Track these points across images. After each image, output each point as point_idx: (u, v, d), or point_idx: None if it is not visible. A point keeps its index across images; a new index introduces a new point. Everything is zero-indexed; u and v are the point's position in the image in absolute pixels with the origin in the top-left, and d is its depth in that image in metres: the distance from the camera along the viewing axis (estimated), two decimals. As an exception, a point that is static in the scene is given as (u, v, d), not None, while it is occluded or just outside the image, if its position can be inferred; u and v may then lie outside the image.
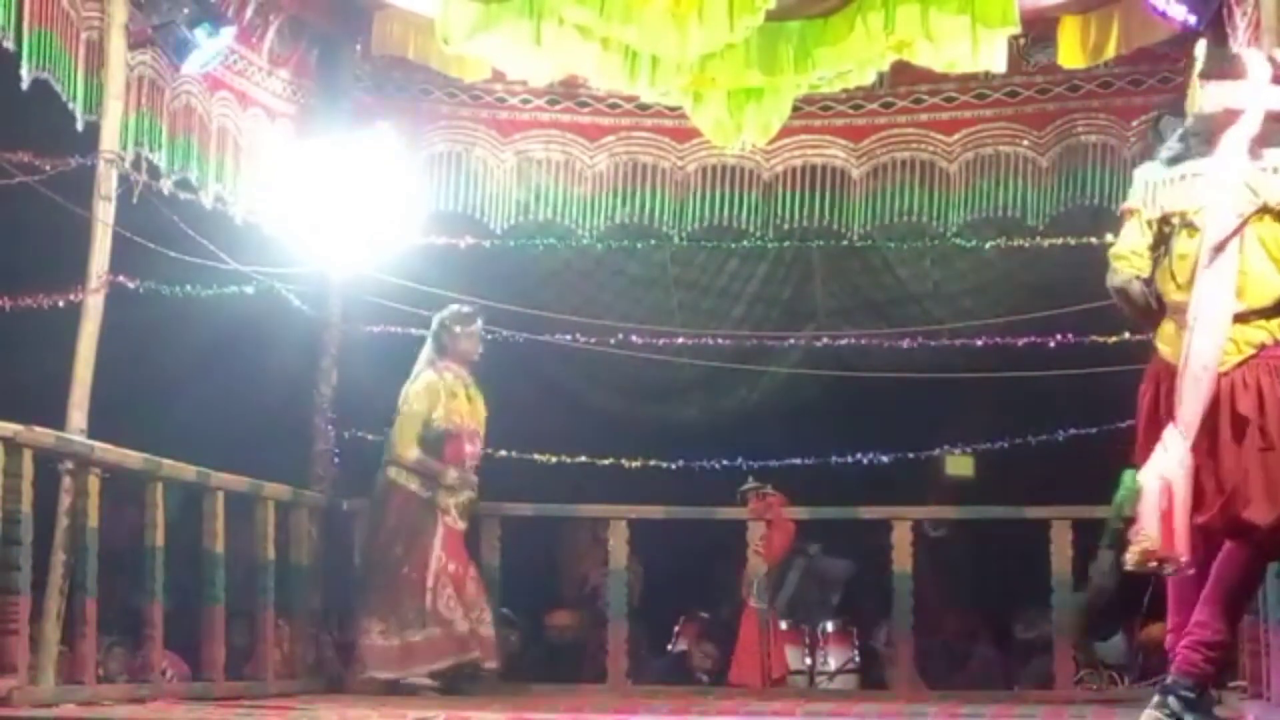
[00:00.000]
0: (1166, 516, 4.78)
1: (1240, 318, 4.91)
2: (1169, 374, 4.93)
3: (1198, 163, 5.01)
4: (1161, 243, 5.03)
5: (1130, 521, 4.89)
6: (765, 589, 8.70)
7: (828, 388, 9.68)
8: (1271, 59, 5.15)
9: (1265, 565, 5.21)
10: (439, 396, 7.93)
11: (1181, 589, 5.02)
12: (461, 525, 7.97)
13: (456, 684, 7.77)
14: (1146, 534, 4.80)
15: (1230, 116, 5.01)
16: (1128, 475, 4.90)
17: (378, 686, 7.71)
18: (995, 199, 8.40)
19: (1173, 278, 4.99)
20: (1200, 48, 5.28)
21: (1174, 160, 5.08)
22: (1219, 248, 4.87)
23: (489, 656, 7.89)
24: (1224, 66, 5.12)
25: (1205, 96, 5.07)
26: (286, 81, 8.15)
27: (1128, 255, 5.08)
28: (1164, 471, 4.80)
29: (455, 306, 8.13)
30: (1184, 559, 4.82)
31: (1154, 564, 4.83)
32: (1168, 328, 5.01)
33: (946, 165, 8.47)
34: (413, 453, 7.90)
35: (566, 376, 9.99)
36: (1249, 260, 4.91)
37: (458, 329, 8.04)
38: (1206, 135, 5.03)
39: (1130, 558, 4.85)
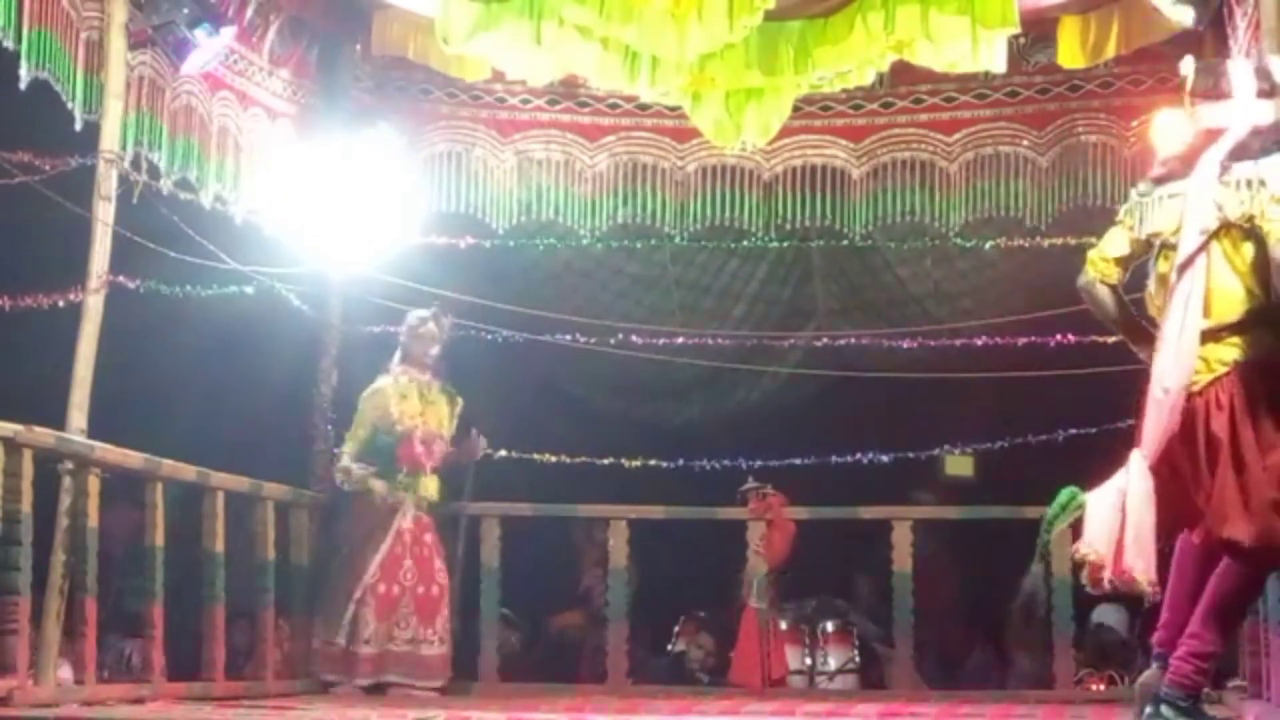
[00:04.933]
0: (1118, 537, 4.79)
1: (1211, 335, 4.89)
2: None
3: (1178, 184, 5.01)
4: (1147, 261, 5.07)
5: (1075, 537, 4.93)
6: (766, 589, 8.70)
7: (828, 388, 9.67)
8: (1261, 70, 5.12)
9: (1262, 579, 5.20)
10: (386, 400, 7.96)
11: (1179, 588, 5.02)
12: (421, 524, 7.92)
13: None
14: (1092, 551, 4.82)
15: (1210, 136, 5.01)
16: (1064, 492, 4.91)
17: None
18: (995, 199, 8.40)
19: (1153, 299, 5.04)
20: (1188, 65, 5.24)
21: (1160, 180, 5.09)
22: (1184, 266, 4.87)
23: (429, 676, 7.80)
24: (1211, 85, 5.10)
25: (1196, 117, 5.08)
26: (286, 81, 8.15)
27: (1096, 260, 5.14)
28: (1118, 492, 4.81)
29: (416, 310, 8.13)
30: (1147, 581, 4.83)
31: (1109, 582, 4.84)
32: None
33: (946, 165, 8.47)
34: (341, 459, 7.94)
35: (567, 376, 9.99)
36: (1216, 276, 4.89)
37: (409, 332, 8.08)
38: (1187, 155, 5.04)
39: (1084, 578, 4.88)
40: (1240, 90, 5.04)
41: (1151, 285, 5.06)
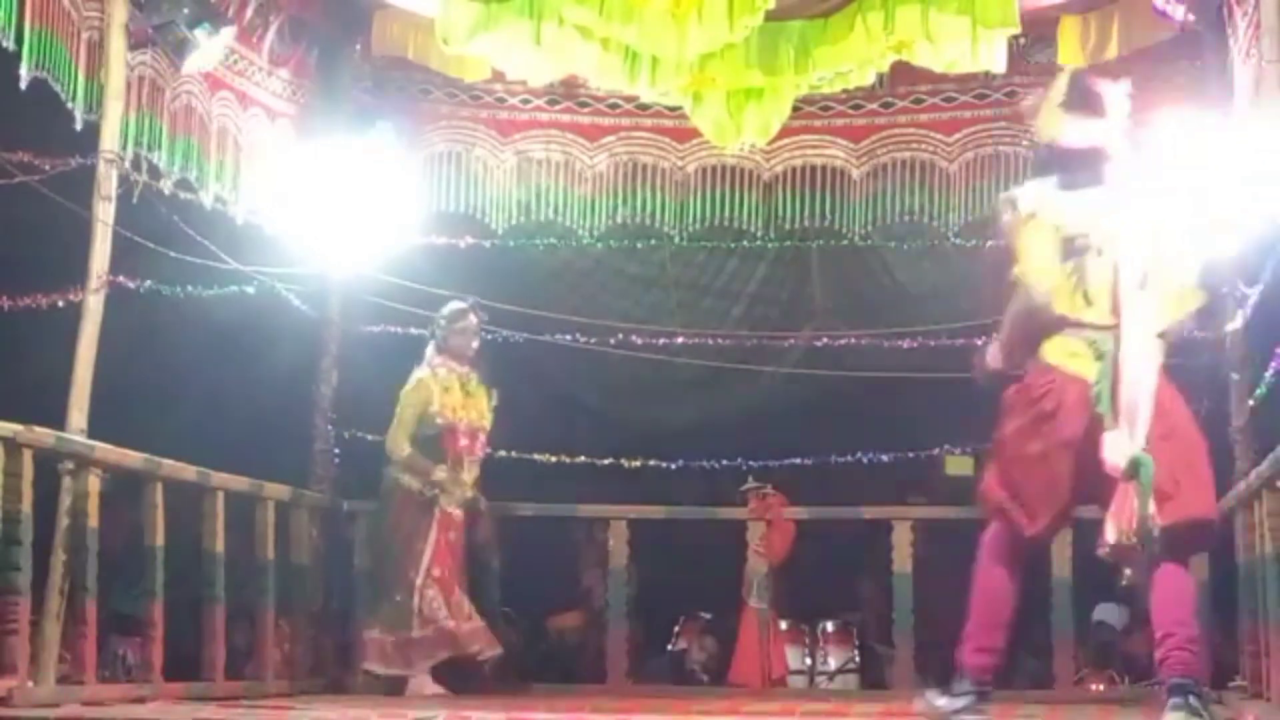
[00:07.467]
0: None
1: None
2: (1076, 388, 5.08)
3: (1096, 191, 5.18)
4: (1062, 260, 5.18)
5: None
6: (766, 589, 8.70)
7: (827, 388, 9.68)
8: (1130, 95, 5.31)
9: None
10: (430, 393, 7.91)
11: (998, 605, 5.16)
12: (458, 515, 7.91)
13: (461, 681, 7.71)
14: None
15: (1100, 151, 5.19)
16: (1143, 456, 4.98)
17: (379, 684, 7.71)
18: (995, 199, 8.39)
19: (1084, 298, 5.14)
20: (1064, 77, 5.43)
21: (1068, 185, 5.21)
22: (1138, 275, 5.05)
23: (488, 645, 7.81)
24: (1086, 100, 5.28)
25: (1069, 128, 5.25)
26: (286, 81, 8.15)
27: (1050, 271, 5.17)
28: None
29: (453, 303, 8.11)
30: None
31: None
32: (1071, 344, 5.15)
33: (946, 165, 8.47)
34: (404, 449, 7.88)
35: (566, 376, 10.00)
36: (1157, 284, 5.10)
37: (448, 325, 8.02)
38: (1088, 166, 5.19)
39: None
40: (1113, 110, 5.25)
41: (1082, 283, 5.15)
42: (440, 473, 7.84)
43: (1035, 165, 5.79)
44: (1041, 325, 5.19)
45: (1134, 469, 4.92)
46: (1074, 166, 5.22)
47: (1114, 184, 5.18)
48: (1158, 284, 5.08)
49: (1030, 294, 5.18)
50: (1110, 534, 5.00)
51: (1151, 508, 4.91)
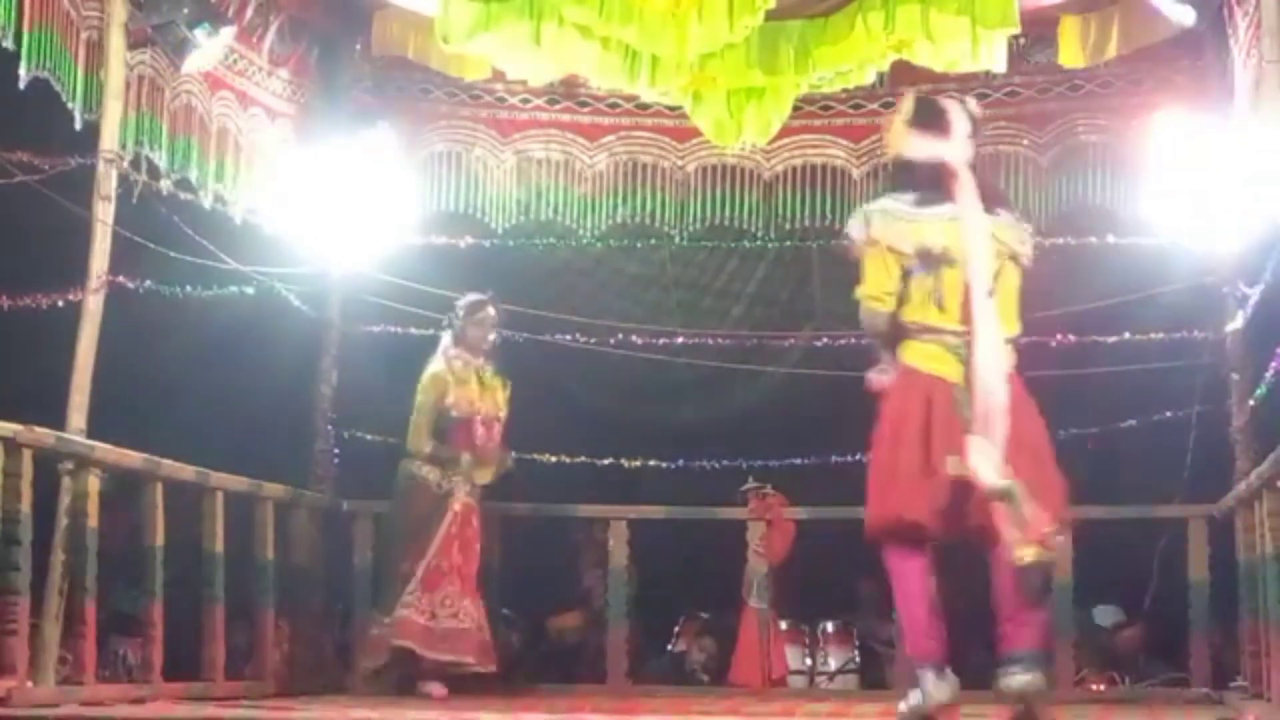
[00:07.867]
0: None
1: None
2: (942, 388, 5.28)
3: (945, 207, 5.33)
4: (907, 274, 5.34)
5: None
6: (766, 589, 8.70)
7: (827, 388, 9.66)
8: (970, 113, 5.48)
9: None
10: (446, 385, 7.90)
11: (917, 601, 5.44)
12: (472, 506, 7.89)
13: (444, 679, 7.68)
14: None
15: (946, 168, 5.34)
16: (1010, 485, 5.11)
17: (378, 682, 7.72)
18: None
19: (937, 305, 5.32)
20: (910, 96, 5.60)
21: (921, 202, 5.36)
22: (986, 284, 5.25)
23: (481, 659, 7.74)
24: (931, 118, 5.43)
25: (914, 145, 5.41)
26: (286, 81, 8.15)
27: (882, 296, 5.39)
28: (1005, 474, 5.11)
29: (471, 294, 8.10)
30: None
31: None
32: (930, 348, 5.35)
33: (947, 165, 8.45)
34: (426, 446, 7.87)
35: (566, 376, 9.99)
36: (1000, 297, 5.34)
37: (466, 316, 8.00)
38: (935, 183, 5.35)
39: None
40: (955, 130, 5.38)
41: (938, 292, 5.31)
42: (466, 458, 7.83)
43: (887, 178, 6.11)
44: (890, 332, 5.40)
45: (1001, 495, 5.06)
46: (923, 183, 5.36)
47: (961, 199, 5.31)
48: (1000, 294, 5.28)
49: (866, 314, 5.44)
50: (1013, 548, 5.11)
51: (1034, 529, 5.05)
